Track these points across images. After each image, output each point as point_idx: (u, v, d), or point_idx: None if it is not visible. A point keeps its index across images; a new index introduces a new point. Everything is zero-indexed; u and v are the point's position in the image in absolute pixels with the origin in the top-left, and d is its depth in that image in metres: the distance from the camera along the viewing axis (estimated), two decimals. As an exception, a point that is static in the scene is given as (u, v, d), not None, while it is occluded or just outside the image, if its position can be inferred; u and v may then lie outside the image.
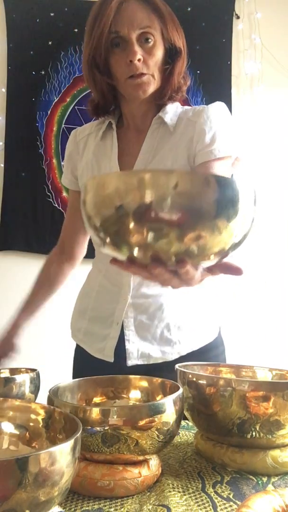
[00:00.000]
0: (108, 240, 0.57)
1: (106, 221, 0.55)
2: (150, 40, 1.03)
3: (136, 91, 1.04)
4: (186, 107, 1.15)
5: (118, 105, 1.16)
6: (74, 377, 1.16)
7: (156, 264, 0.56)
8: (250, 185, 0.57)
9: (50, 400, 0.69)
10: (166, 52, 1.06)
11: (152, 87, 1.05)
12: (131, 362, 1.08)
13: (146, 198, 0.52)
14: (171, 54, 1.07)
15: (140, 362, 1.08)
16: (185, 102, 1.16)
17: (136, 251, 0.56)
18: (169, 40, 1.06)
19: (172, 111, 1.11)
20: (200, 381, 0.77)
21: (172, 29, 1.06)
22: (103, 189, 0.55)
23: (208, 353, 1.12)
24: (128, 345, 1.08)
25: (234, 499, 0.65)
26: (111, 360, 1.10)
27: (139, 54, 1.01)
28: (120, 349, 1.09)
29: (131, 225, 0.53)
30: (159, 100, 1.10)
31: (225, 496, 0.66)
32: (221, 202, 0.54)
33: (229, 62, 2.50)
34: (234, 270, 0.60)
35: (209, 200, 0.53)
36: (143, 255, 0.56)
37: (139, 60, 1.01)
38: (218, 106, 1.10)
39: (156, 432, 0.65)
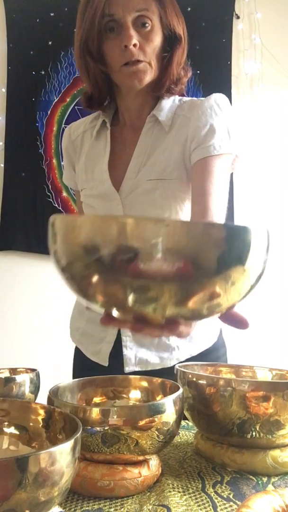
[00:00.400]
0: (78, 291, 0.47)
1: (77, 271, 0.45)
2: (147, 24, 0.95)
3: (131, 80, 0.97)
4: (185, 98, 1.08)
5: (113, 99, 1.10)
6: (74, 377, 1.15)
7: (140, 325, 0.47)
8: (263, 231, 0.46)
9: (50, 400, 0.69)
10: (164, 39, 0.99)
11: (148, 76, 0.98)
12: (128, 368, 1.05)
13: (127, 252, 0.41)
14: (170, 42, 1.00)
15: (137, 368, 1.06)
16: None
17: (114, 312, 0.46)
18: (168, 26, 0.98)
19: (168, 107, 1.05)
20: (200, 381, 0.77)
21: (171, 14, 0.98)
22: (73, 236, 0.44)
23: (208, 356, 1.09)
24: (125, 351, 1.06)
25: (234, 499, 0.65)
26: (106, 364, 1.08)
27: (134, 39, 0.93)
28: (118, 354, 1.07)
29: (108, 284, 0.43)
30: (156, 92, 1.03)
31: (225, 496, 0.66)
32: (224, 259, 0.42)
33: (229, 62, 2.50)
34: (238, 323, 0.51)
35: (210, 257, 0.42)
36: (124, 315, 0.46)
37: (134, 45, 0.94)
38: (216, 99, 1.02)
39: (156, 432, 0.65)
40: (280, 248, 2.49)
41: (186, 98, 1.08)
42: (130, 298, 0.43)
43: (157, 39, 0.97)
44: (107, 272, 0.42)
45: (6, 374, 0.98)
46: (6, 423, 0.64)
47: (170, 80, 1.02)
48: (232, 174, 1.11)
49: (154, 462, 0.70)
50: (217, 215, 0.92)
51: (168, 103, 1.05)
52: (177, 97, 1.08)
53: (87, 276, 0.44)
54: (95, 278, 0.43)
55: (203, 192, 0.94)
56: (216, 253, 0.42)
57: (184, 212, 1.04)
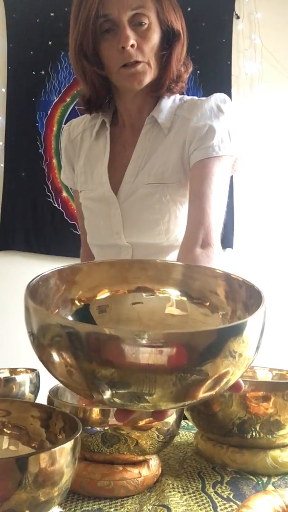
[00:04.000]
0: (53, 374, 0.45)
1: (54, 361, 0.43)
2: (144, 22, 0.91)
3: (130, 82, 0.95)
4: (186, 97, 1.05)
5: (112, 98, 1.07)
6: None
7: (123, 415, 0.47)
8: (260, 321, 0.44)
9: (50, 400, 0.69)
10: (163, 36, 0.95)
11: (148, 77, 0.95)
12: None
13: (105, 367, 0.39)
14: (168, 38, 0.96)
15: None
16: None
17: (95, 399, 0.44)
18: (165, 22, 0.94)
19: (167, 107, 1.02)
20: (200, 381, 0.77)
21: (168, 9, 0.94)
22: (48, 332, 0.42)
23: None
24: None
25: (234, 499, 0.65)
26: None
27: (132, 39, 0.90)
28: None
29: (87, 380, 0.41)
30: (156, 92, 1.00)
31: (225, 496, 0.66)
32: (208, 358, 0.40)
33: (229, 62, 2.50)
34: (232, 387, 0.48)
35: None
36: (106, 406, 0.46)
37: (132, 46, 0.90)
38: (216, 99, 1.00)
39: (156, 432, 0.65)
40: (280, 248, 2.49)
41: (186, 97, 1.06)
42: (116, 400, 0.41)
43: (155, 37, 0.94)
44: (86, 373, 0.40)
45: (6, 374, 0.98)
46: (6, 423, 0.64)
47: (170, 79, 0.99)
48: (231, 175, 1.10)
49: (154, 462, 0.70)
50: (215, 218, 0.90)
51: (168, 103, 1.03)
52: (177, 96, 1.06)
53: (64, 370, 0.42)
54: (72, 374, 0.42)
55: (201, 195, 0.91)
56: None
57: (183, 216, 1.01)
